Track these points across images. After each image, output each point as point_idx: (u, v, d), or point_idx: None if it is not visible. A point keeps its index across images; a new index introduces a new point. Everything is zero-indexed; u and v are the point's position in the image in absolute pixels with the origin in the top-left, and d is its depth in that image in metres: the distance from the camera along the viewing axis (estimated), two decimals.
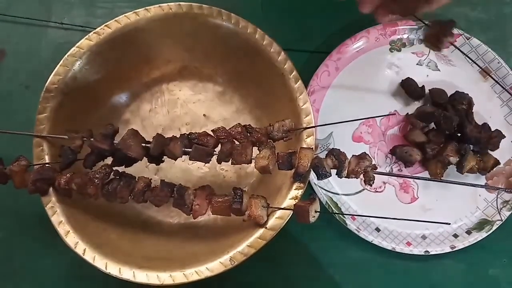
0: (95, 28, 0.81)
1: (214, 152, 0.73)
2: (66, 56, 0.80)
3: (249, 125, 0.74)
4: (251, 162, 0.72)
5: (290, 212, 0.70)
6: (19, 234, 0.90)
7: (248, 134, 0.74)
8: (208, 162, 0.73)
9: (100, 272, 0.70)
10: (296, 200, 0.71)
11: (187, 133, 0.74)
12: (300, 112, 0.77)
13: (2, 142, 0.86)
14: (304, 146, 0.74)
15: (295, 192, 0.72)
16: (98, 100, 0.87)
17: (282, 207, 0.71)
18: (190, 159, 0.73)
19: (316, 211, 0.67)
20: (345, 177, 0.70)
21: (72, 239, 0.71)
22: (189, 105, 0.92)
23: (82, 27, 0.98)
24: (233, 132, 0.73)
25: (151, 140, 0.73)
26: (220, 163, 0.73)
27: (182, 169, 0.89)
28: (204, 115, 0.91)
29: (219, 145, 0.74)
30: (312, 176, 0.80)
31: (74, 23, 0.99)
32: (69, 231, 0.72)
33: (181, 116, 0.91)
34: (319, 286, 0.88)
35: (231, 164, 0.73)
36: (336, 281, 0.87)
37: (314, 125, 0.76)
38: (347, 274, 0.88)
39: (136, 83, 0.91)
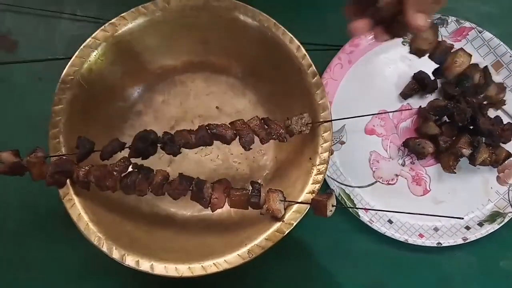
0: (108, 20, 0.81)
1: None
2: (82, 47, 0.79)
3: (267, 117, 0.74)
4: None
5: (307, 206, 0.71)
6: (33, 226, 0.90)
7: (266, 127, 0.74)
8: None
9: (115, 264, 0.70)
10: (313, 195, 0.72)
11: (205, 124, 0.74)
12: (317, 107, 0.77)
13: (15, 135, 0.86)
14: (321, 140, 0.75)
15: (312, 186, 0.73)
16: (112, 91, 0.86)
17: (300, 201, 0.72)
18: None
19: (333, 205, 0.68)
20: None
21: (90, 232, 0.72)
22: (201, 97, 0.92)
23: (95, 19, 0.98)
24: (251, 125, 0.73)
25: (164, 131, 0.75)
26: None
27: (195, 161, 0.89)
28: (217, 107, 0.91)
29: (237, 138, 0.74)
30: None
31: (87, 14, 0.99)
32: (87, 223, 0.72)
33: (194, 108, 0.91)
34: (331, 277, 0.88)
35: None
36: (348, 273, 0.88)
37: (331, 119, 0.76)
38: (359, 265, 0.89)
39: (149, 74, 0.90)
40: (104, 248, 0.71)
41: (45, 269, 0.88)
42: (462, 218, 0.81)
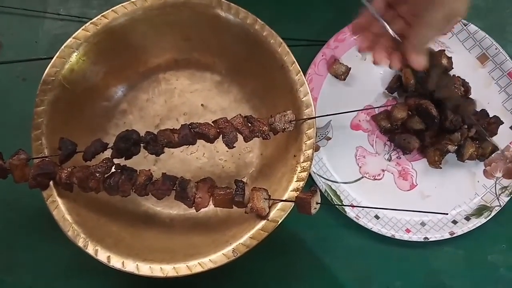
0: (91, 19, 0.80)
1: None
2: (62, 47, 0.79)
3: (251, 115, 0.74)
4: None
5: (291, 204, 0.71)
6: (19, 226, 0.89)
7: (249, 125, 0.73)
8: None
9: (101, 263, 0.70)
10: (298, 192, 0.72)
11: (188, 123, 0.74)
12: (300, 104, 0.76)
13: None
14: (305, 138, 0.75)
15: (297, 183, 0.73)
16: (95, 91, 0.86)
17: (284, 199, 0.71)
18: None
19: (317, 203, 0.68)
20: None
21: (75, 234, 0.71)
22: (186, 94, 0.91)
23: (78, 18, 0.97)
24: (234, 123, 0.73)
25: (148, 130, 0.74)
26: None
27: (181, 159, 0.88)
28: (202, 105, 0.90)
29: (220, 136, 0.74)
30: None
31: (70, 14, 0.98)
32: (71, 225, 0.72)
33: (179, 106, 0.91)
34: (318, 273, 0.88)
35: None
36: (336, 269, 0.88)
37: (314, 116, 0.76)
38: (346, 261, 0.88)
39: (132, 73, 0.90)
40: (89, 250, 0.70)
41: (32, 269, 0.88)
42: (447, 214, 0.81)
